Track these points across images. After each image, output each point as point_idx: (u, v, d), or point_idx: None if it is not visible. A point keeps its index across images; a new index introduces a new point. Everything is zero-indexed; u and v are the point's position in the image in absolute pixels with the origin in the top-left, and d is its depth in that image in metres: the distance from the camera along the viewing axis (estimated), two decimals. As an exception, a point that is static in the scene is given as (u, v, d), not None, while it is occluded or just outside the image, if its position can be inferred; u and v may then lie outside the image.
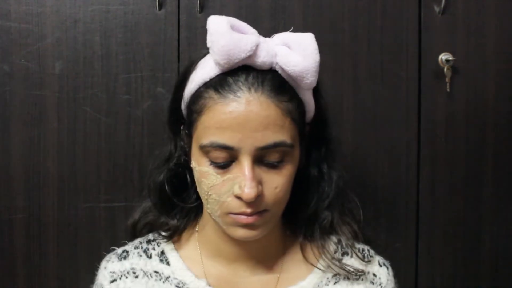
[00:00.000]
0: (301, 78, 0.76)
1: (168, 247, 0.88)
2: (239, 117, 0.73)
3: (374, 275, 0.88)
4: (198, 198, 0.85)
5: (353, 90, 1.13)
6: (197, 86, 0.78)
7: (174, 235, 0.89)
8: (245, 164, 0.74)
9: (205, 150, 0.75)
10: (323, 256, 0.85)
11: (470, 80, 1.14)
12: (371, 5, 1.13)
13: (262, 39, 0.77)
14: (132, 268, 0.86)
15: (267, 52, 0.76)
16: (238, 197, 0.74)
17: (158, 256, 0.88)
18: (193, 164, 0.79)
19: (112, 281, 0.86)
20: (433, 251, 1.15)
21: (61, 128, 1.10)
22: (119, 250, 0.90)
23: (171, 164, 0.87)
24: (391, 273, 0.90)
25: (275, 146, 0.74)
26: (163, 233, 0.88)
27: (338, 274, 0.85)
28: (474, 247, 1.16)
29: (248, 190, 0.73)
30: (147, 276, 0.86)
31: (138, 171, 1.10)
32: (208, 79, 0.77)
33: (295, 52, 0.76)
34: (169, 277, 0.85)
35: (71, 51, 1.10)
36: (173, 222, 0.88)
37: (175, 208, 0.89)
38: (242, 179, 0.74)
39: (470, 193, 1.15)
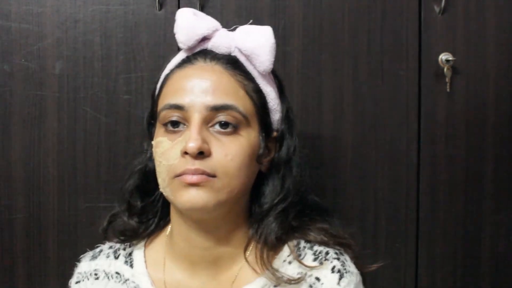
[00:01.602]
0: (255, 55, 0.82)
1: (137, 249, 0.90)
2: (192, 79, 0.79)
3: (318, 279, 0.80)
4: (162, 200, 0.88)
5: (353, 90, 1.13)
6: (165, 74, 0.85)
7: (135, 238, 0.90)
8: (193, 121, 0.77)
9: (160, 117, 0.80)
10: (262, 265, 0.81)
11: (470, 80, 1.14)
12: (371, 5, 1.13)
13: (223, 29, 0.85)
14: (95, 270, 0.89)
15: (227, 36, 0.84)
16: (185, 154, 0.76)
17: (125, 257, 0.89)
18: (153, 142, 0.82)
19: (77, 282, 0.90)
20: (433, 251, 1.15)
21: (61, 128, 1.10)
22: (97, 249, 0.93)
23: (143, 165, 0.89)
24: (345, 284, 0.79)
25: (225, 108, 0.78)
26: (121, 237, 0.90)
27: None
28: (474, 247, 1.15)
29: (192, 143, 0.75)
30: (108, 277, 0.88)
31: (138, 171, 1.10)
32: (173, 66, 0.85)
33: (251, 36, 0.83)
34: (128, 279, 0.87)
35: (71, 51, 1.10)
36: (133, 223, 0.90)
37: (142, 212, 0.90)
38: (189, 135, 0.76)
39: (470, 193, 1.15)
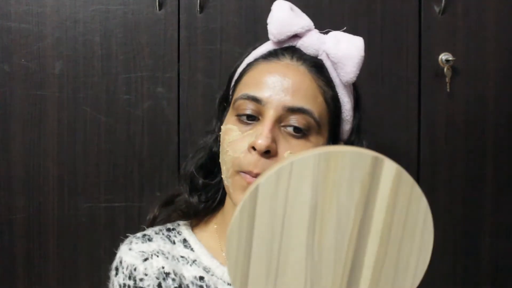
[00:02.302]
0: (342, 64, 0.81)
1: (189, 236, 0.88)
2: (275, 75, 0.78)
3: None
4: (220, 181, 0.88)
5: (353, 90, 1.13)
6: (249, 62, 0.84)
7: (195, 216, 0.89)
8: (267, 117, 0.76)
9: (236, 105, 0.79)
10: None
11: (470, 80, 1.14)
12: (371, 5, 1.13)
13: (315, 30, 0.84)
14: (160, 250, 0.84)
15: (318, 38, 0.82)
16: (252, 149, 0.75)
17: (181, 242, 0.86)
18: (222, 126, 0.82)
19: (145, 260, 0.82)
20: (433, 251, 1.14)
21: (61, 128, 1.10)
22: (139, 234, 0.87)
23: (209, 147, 0.90)
24: None
25: (302, 111, 0.77)
26: (180, 212, 0.89)
27: None
28: (474, 247, 1.15)
29: (261, 140, 0.74)
30: (175, 259, 0.84)
31: (138, 171, 1.10)
32: (258, 55, 0.84)
33: (343, 44, 0.82)
34: (195, 260, 0.84)
35: (71, 51, 1.10)
36: (195, 201, 0.88)
37: (204, 191, 0.90)
38: (260, 130, 0.76)
39: (470, 193, 1.15)
